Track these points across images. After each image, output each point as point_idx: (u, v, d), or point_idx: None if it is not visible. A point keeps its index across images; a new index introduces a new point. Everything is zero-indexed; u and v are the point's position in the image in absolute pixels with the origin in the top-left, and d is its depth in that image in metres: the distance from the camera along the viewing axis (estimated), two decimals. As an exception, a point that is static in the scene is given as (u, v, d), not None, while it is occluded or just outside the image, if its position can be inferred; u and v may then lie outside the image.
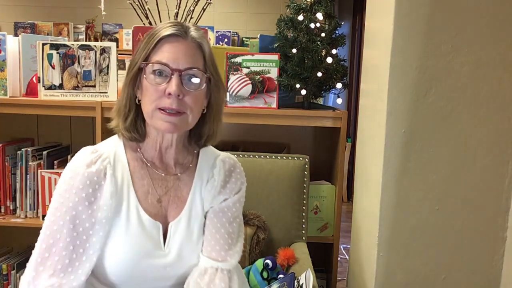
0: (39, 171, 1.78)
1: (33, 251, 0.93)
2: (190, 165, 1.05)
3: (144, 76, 0.94)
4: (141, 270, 0.97)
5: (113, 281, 0.97)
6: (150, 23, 2.24)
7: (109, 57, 1.74)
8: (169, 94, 0.91)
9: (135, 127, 0.98)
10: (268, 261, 1.39)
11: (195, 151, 1.07)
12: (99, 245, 0.93)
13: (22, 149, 1.81)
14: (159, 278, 0.99)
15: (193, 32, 0.96)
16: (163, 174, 1.02)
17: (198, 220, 1.02)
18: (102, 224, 0.93)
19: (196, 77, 0.95)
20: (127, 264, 0.95)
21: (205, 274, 0.98)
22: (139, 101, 0.97)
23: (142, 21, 2.26)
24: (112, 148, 1.00)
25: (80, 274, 0.91)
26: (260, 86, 1.74)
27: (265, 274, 1.37)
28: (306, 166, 1.67)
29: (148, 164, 1.01)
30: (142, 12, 2.24)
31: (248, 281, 1.40)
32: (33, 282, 0.89)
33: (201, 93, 0.97)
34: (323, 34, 1.74)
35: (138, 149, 1.02)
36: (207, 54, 0.98)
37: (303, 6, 1.76)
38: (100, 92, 1.75)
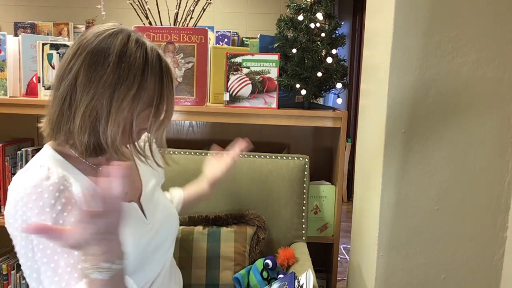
0: (39, 171, 1.78)
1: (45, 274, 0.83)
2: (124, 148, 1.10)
3: (152, 112, 0.94)
4: (143, 253, 1.00)
5: None
6: (150, 23, 2.23)
7: (109, 57, 1.74)
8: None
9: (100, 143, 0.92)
10: (268, 261, 1.39)
11: None
12: None
13: (22, 149, 1.81)
14: (159, 249, 1.06)
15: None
16: None
17: (158, 187, 1.17)
18: None
19: None
20: (130, 255, 0.96)
21: None
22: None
23: (142, 21, 2.26)
24: (54, 160, 0.93)
25: None
26: (260, 86, 1.74)
27: (265, 274, 1.38)
28: (306, 166, 1.67)
29: (99, 168, 1.00)
30: (142, 12, 2.24)
31: (248, 281, 1.41)
32: None
33: None
34: (323, 34, 1.74)
35: (81, 158, 0.97)
36: None
37: (303, 6, 1.76)
38: (100, 92, 1.75)
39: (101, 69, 0.88)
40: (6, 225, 0.90)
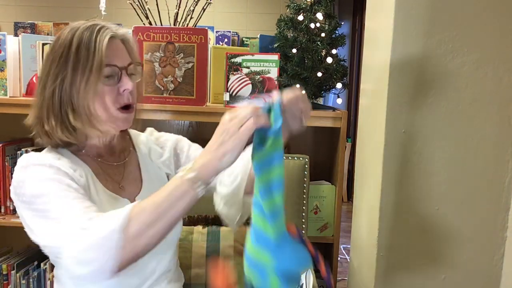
0: (39, 171, 1.77)
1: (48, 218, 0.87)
2: (131, 149, 1.13)
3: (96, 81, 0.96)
4: None
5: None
6: (150, 23, 2.23)
7: (109, 57, 1.74)
8: (124, 90, 0.98)
9: (73, 131, 0.99)
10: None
11: (127, 136, 1.15)
12: None
13: (22, 149, 1.81)
14: (155, 253, 1.03)
15: (120, 31, 1.01)
16: (115, 164, 1.07)
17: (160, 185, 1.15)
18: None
19: (136, 69, 1.03)
20: None
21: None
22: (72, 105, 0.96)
23: (142, 21, 2.25)
24: (57, 153, 1.01)
25: None
26: (260, 86, 1.74)
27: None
28: (306, 166, 1.67)
29: (99, 159, 1.04)
30: (142, 12, 2.23)
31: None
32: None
33: (139, 82, 1.06)
34: (323, 34, 1.74)
35: (81, 149, 1.04)
36: (135, 46, 1.05)
37: (303, 6, 1.76)
38: (100, 92, 1.75)
39: (57, 65, 0.94)
40: (12, 195, 0.94)
